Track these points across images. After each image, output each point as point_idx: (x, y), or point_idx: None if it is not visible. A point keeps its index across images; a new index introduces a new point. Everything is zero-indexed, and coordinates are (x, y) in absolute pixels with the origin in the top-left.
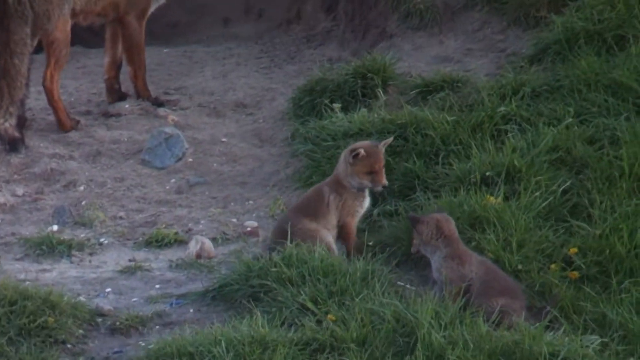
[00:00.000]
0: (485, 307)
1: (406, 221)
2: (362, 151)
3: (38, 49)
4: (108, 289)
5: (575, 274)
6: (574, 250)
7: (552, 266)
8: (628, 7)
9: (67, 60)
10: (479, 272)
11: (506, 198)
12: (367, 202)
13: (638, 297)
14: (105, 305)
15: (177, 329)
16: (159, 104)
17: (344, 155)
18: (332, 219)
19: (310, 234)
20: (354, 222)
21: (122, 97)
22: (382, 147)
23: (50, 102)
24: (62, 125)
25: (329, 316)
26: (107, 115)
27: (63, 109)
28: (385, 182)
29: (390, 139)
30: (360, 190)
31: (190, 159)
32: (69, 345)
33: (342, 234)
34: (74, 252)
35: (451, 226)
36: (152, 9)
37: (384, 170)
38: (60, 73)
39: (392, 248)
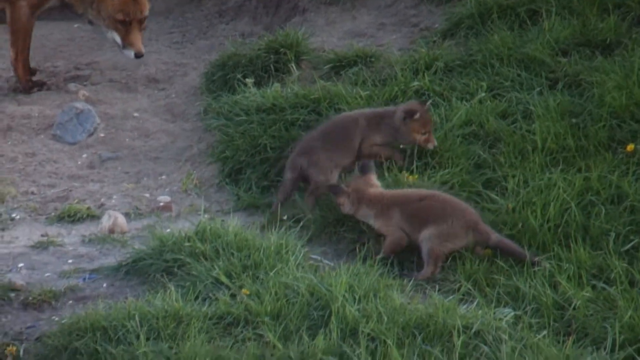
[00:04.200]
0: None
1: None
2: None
3: None
4: (20, 264)
5: (489, 249)
6: None
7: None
8: None
9: None
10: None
11: (420, 172)
12: None
13: (551, 270)
14: (18, 280)
15: (90, 304)
16: (27, 88)
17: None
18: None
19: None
20: None
21: (33, 72)
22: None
23: None
24: None
25: (243, 290)
26: (17, 90)
27: None
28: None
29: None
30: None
31: (102, 134)
32: None
33: None
34: None
35: (367, 189)
36: (48, 5)
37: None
38: None
39: (305, 222)
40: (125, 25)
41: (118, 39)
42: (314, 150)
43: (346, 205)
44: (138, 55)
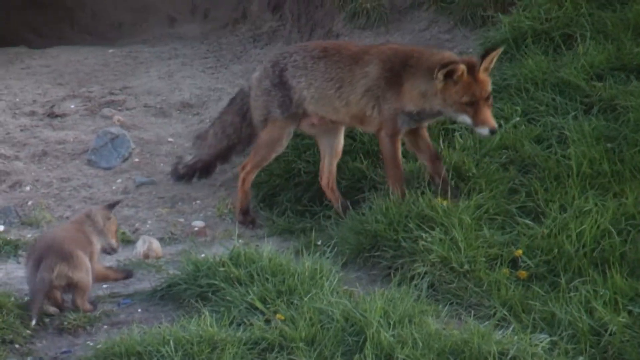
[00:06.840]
0: None
1: (353, 220)
2: None
3: None
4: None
5: (524, 273)
6: (519, 252)
7: (504, 271)
8: (575, 6)
9: None
10: None
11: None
12: None
13: (587, 295)
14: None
15: (125, 329)
16: None
17: None
18: None
19: None
20: None
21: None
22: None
23: None
24: None
25: (278, 315)
26: (52, 115)
27: None
28: None
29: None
30: None
31: (137, 159)
32: (16, 346)
33: None
34: (20, 252)
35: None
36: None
37: None
38: None
39: (339, 247)
40: (473, 106)
41: (468, 119)
42: None
43: None
44: (493, 132)
